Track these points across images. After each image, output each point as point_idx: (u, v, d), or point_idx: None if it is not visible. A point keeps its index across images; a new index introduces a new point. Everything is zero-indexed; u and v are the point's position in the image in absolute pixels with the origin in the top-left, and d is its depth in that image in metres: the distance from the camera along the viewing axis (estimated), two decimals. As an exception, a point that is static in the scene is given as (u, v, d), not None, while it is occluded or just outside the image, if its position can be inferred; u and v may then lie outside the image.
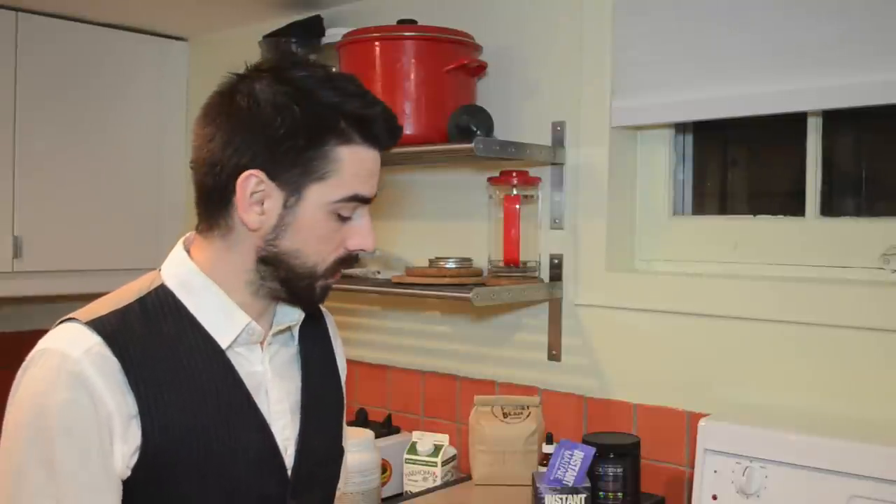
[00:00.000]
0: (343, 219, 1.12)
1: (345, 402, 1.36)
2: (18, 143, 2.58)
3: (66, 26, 2.68)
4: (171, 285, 1.13)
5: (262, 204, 1.09)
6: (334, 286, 1.19)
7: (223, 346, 1.12)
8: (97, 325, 1.06)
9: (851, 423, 1.57)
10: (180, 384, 1.08)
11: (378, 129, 1.11)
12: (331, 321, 1.37)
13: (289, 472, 1.17)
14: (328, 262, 1.13)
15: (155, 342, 1.08)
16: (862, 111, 1.68)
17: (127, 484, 1.06)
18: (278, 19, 2.51)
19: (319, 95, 1.08)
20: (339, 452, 1.32)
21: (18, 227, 2.59)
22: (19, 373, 1.07)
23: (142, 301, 1.11)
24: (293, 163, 1.08)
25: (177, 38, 2.98)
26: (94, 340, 1.04)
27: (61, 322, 1.09)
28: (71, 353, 1.03)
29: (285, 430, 1.17)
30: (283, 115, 1.07)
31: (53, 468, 1.01)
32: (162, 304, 1.11)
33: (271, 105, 1.07)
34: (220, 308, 1.13)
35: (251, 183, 1.08)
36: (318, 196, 1.09)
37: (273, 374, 1.18)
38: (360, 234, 1.14)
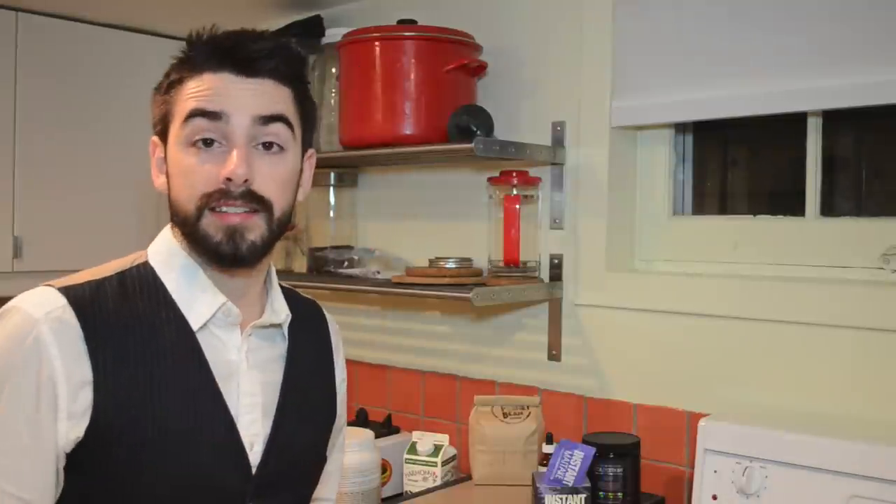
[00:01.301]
0: (205, 147, 1.07)
1: (337, 412, 1.31)
2: (18, 143, 2.58)
3: (66, 26, 2.68)
4: (154, 263, 1.13)
5: (165, 165, 1.13)
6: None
7: (196, 326, 1.09)
8: (68, 291, 1.05)
9: (851, 423, 1.57)
10: (144, 362, 1.05)
11: (196, 54, 1.14)
12: (334, 329, 1.34)
13: (253, 470, 1.12)
14: (196, 198, 1.07)
15: (125, 316, 1.06)
16: (862, 111, 1.68)
17: (75, 459, 1.03)
18: (278, 19, 2.50)
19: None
20: (319, 459, 1.27)
21: (18, 227, 2.59)
22: None
23: (121, 276, 1.10)
24: (165, 118, 1.13)
25: (177, 38, 2.97)
26: (58, 304, 1.03)
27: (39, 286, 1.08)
28: (32, 314, 1.02)
29: (253, 425, 1.12)
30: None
31: None
32: (141, 280, 1.10)
33: None
34: (198, 287, 1.11)
35: (153, 150, 1.14)
36: (172, 133, 1.11)
37: (249, 366, 1.13)
38: (226, 162, 1.06)
